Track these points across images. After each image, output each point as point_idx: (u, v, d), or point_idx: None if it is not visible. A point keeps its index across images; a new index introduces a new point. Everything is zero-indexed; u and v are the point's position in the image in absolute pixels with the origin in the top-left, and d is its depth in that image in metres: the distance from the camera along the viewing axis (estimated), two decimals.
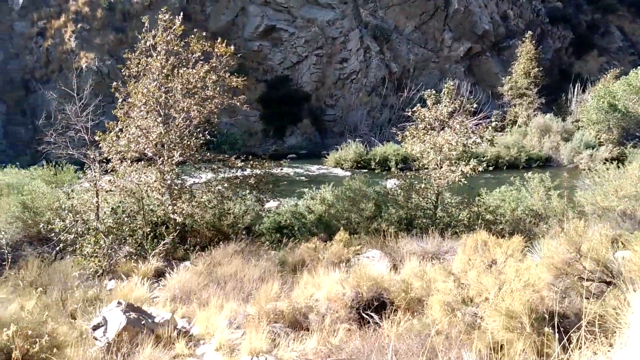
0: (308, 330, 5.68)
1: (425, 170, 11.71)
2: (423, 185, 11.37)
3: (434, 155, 11.43)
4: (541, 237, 10.11)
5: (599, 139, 29.00)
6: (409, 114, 12.28)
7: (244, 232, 11.11)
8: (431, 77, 39.20)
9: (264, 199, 11.50)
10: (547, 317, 4.33)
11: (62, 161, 14.24)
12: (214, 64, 10.83)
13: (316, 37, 37.88)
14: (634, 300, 3.83)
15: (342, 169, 28.02)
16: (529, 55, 35.53)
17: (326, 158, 29.63)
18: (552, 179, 13.15)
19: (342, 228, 9.78)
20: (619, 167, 12.42)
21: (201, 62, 10.84)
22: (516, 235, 8.17)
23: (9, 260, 8.59)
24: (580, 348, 3.63)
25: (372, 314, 5.79)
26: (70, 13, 33.83)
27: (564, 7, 46.66)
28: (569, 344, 3.69)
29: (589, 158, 26.36)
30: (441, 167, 11.16)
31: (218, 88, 10.91)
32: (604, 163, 13.80)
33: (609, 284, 5.28)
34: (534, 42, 36.30)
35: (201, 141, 10.69)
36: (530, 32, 36.86)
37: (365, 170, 26.03)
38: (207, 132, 11.03)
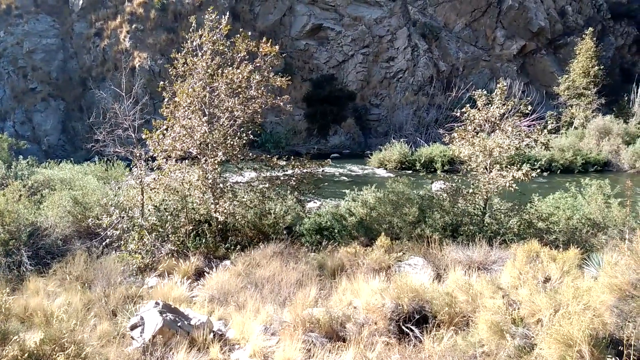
0: (344, 342, 5.47)
1: (473, 174, 11.18)
2: (471, 190, 10.85)
3: (483, 159, 10.89)
4: (599, 249, 9.42)
5: None
6: (458, 114, 11.77)
7: (284, 232, 11.03)
8: (481, 77, 37.90)
9: (305, 200, 11.36)
10: (609, 345, 3.92)
11: (113, 158, 14.72)
12: (258, 64, 10.80)
13: (363, 35, 37.50)
14: None
15: (386, 169, 27.54)
16: (589, 53, 33.52)
17: (369, 158, 29.23)
18: (612, 185, 12.24)
19: (383, 233, 9.48)
20: None
21: (246, 61, 10.83)
22: (572, 247, 7.61)
23: (59, 254, 8.91)
24: None
25: (413, 328, 5.50)
26: (125, 14, 35.16)
27: (628, 1, 43.78)
28: None
29: None
30: (490, 172, 10.60)
31: (262, 88, 10.86)
32: None
33: None
34: (594, 39, 34.22)
35: (244, 141, 10.69)
36: (590, 29, 34.78)
37: (410, 172, 25.49)
38: (250, 131, 11.01)
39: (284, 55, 31.83)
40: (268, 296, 7.06)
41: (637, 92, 33.80)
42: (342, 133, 35.91)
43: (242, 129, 10.88)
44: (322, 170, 11.72)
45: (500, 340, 4.36)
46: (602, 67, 33.70)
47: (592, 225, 10.91)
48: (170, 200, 10.33)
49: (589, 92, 32.96)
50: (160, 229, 9.74)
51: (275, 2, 38.06)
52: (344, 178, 24.92)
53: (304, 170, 11.16)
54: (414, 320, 5.66)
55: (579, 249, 7.70)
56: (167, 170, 10.16)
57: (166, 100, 10.91)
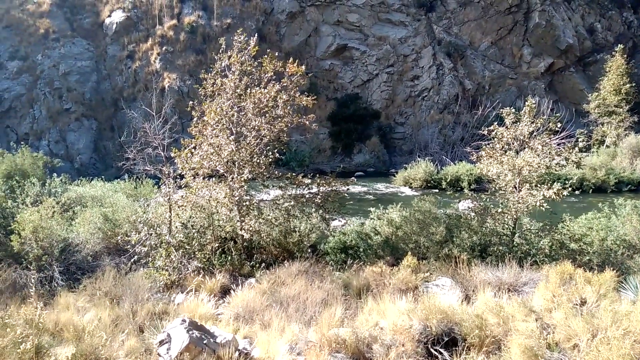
0: None
1: (502, 193, 10.97)
2: (500, 209, 10.62)
3: (511, 177, 10.68)
4: (636, 272, 9.05)
5: None
6: (485, 132, 11.61)
7: (309, 251, 11.00)
8: (508, 95, 37.45)
9: (330, 218, 11.33)
10: None
11: (142, 175, 15.04)
12: (284, 84, 10.96)
13: (387, 55, 37.71)
14: None
15: (411, 188, 27.30)
16: (620, 70, 32.79)
17: (394, 176, 29.06)
18: None
19: (409, 252, 9.34)
20: None
21: (273, 81, 11.01)
22: (607, 269, 7.34)
23: (89, 269, 9.09)
24: None
25: (442, 351, 5.36)
26: (156, 37, 36.38)
27: None
28: None
29: None
30: (520, 190, 10.38)
31: (288, 107, 10.99)
32: None
33: None
34: (624, 56, 33.51)
35: (270, 159, 10.79)
36: (620, 46, 34.10)
37: (436, 191, 25.19)
38: (276, 150, 11.12)
39: (309, 75, 32.15)
40: (293, 315, 7.01)
41: None
42: (367, 151, 35.89)
43: (268, 148, 10.99)
44: (347, 189, 11.68)
45: None
46: (634, 84, 32.88)
47: (628, 247, 10.52)
48: (197, 218, 10.46)
49: (621, 109, 32.15)
50: (187, 246, 9.85)
51: (301, 24, 38.77)
52: (369, 196, 24.80)
53: (329, 189, 11.16)
54: (442, 343, 5.52)
55: (614, 271, 7.41)
56: (194, 187, 10.31)
57: (195, 119, 11.14)
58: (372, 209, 13.11)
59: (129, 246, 10.01)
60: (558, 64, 37.75)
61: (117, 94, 35.57)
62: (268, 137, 10.90)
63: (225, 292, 8.66)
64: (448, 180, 25.58)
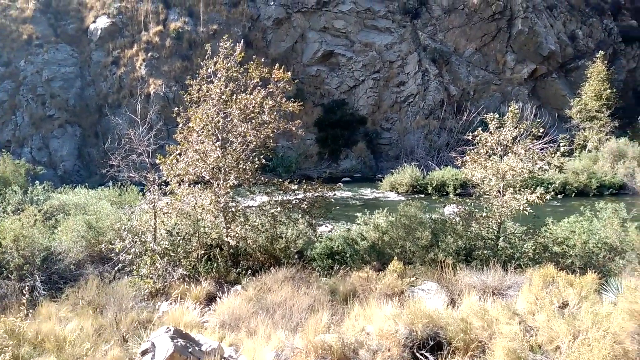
0: None
1: (486, 198, 11.09)
2: (484, 214, 10.73)
3: (495, 182, 10.81)
4: (617, 274, 9.20)
5: None
6: (469, 137, 11.75)
7: (295, 257, 10.98)
8: (492, 100, 37.94)
9: (316, 224, 11.33)
10: None
11: (126, 183, 14.88)
12: (271, 90, 10.97)
13: (373, 61, 37.97)
14: None
15: (397, 193, 27.44)
16: (601, 76, 33.44)
17: (381, 182, 29.19)
18: (628, 208, 12.03)
19: (395, 257, 9.38)
20: None
21: (259, 87, 11.01)
22: (589, 272, 7.45)
23: (72, 278, 8.95)
24: None
25: (427, 355, 5.38)
26: (142, 43, 36.15)
27: (639, 25, 43.88)
28: None
29: None
30: (504, 195, 10.51)
31: (275, 113, 11.00)
32: None
33: None
34: (605, 62, 34.21)
35: (256, 165, 10.76)
36: (601, 52, 34.81)
37: (422, 195, 25.34)
38: (262, 156, 11.10)
39: (295, 81, 32.27)
40: (279, 321, 6.98)
41: None
42: (354, 157, 36.00)
43: (254, 154, 10.98)
44: (334, 194, 11.70)
45: None
46: (614, 90, 33.55)
47: (609, 250, 10.69)
48: (182, 225, 10.38)
49: (602, 115, 32.76)
50: (172, 254, 9.76)
51: (287, 30, 38.88)
52: (356, 202, 24.86)
53: (316, 194, 11.17)
54: (428, 347, 5.54)
55: (596, 273, 7.52)
56: (180, 194, 10.24)
57: (180, 125, 11.08)
58: (358, 215, 13.15)
59: (113, 254, 9.89)
60: (541, 70, 38.38)
61: (102, 100, 35.21)
62: (254, 143, 10.88)
63: (211, 299, 8.59)
64: (434, 185, 25.64)
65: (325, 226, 15.23)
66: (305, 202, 10.96)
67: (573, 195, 24.77)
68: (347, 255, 11.17)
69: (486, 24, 38.46)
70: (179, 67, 35.03)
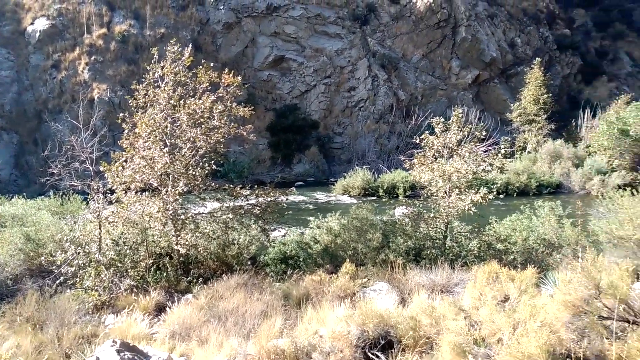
0: None
1: (434, 199, 11.47)
2: (432, 214, 11.09)
3: (442, 184, 11.20)
4: (555, 268, 9.75)
5: (611, 164, 28.52)
6: (417, 141, 12.12)
7: (248, 263, 10.88)
8: (439, 105, 39.25)
9: (269, 229, 11.29)
10: None
11: (69, 191, 14.21)
12: (220, 94, 10.85)
13: (324, 66, 38.34)
14: None
15: (350, 196, 27.79)
16: (538, 82, 35.45)
17: (333, 185, 29.47)
18: (564, 206, 12.79)
19: (348, 259, 9.50)
20: (633, 194, 12.04)
21: (208, 92, 10.87)
22: (529, 267, 7.85)
23: (8, 294, 8.44)
24: None
25: (379, 354, 5.48)
26: (84, 46, 34.69)
27: (572, 34, 46.89)
28: None
29: (600, 184, 25.87)
30: (450, 196, 10.90)
31: (225, 118, 10.88)
32: (618, 189, 13.43)
33: (631, 322, 4.95)
34: (542, 68, 36.29)
35: (207, 171, 10.59)
36: (538, 59, 36.91)
37: (373, 198, 25.80)
38: (213, 161, 10.93)
39: (246, 85, 32.06)
40: (232, 329, 6.89)
41: (583, 118, 35.84)
42: (306, 161, 36.14)
43: (204, 159, 10.80)
44: (286, 199, 11.71)
45: None
46: (550, 94, 35.63)
47: (548, 245, 11.31)
48: (129, 234, 10.04)
49: (540, 118, 34.68)
50: (118, 264, 9.42)
51: (237, 35, 38.56)
52: (309, 206, 24.95)
53: (268, 199, 11.13)
54: (379, 346, 5.64)
55: (535, 268, 7.94)
56: (126, 202, 9.91)
57: (126, 131, 10.74)
58: (311, 218, 13.21)
59: (54, 267, 9.41)
60: (483, 76, 40.14)
61: (41, 105, 33.43)
62: (204, 148, 10.72)
63: (160, 309, 8.35)
64: (385, 188, 26.23)
65: (279, 231, 15.19)
66: (257, 208, 10.90)
67: (515, 195, 26.00)
68: (301, 259, 11.21)
69: (432, 31, 39.83)
70: (124, 71, 33.89)
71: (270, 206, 11.11)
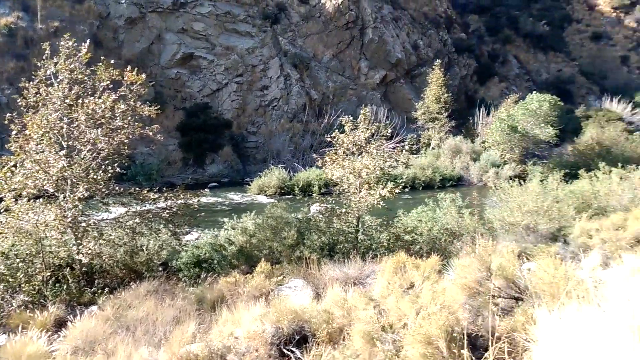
0: None
1: (346, 195, 11.85)
2: (344, 210, 11.45)
3: (353, 180, 11.60)
4: (456, 255, 10.54)
5: (503, 158, 31.33)
6: (329, 139, 12.44)
7: (159, 269, 10.45)
8: (350, 104, 40.42)
9: (181, 233, 10.93)
10: (463, 338, 4.38)
11: None
12: (123, 93, 10.29)
13: (236, 64, 37.77)
14: (537, 315, 3.97)
15: (266, 195, 27.73)
16: (439, 82, 37.89)
17: (249, 185, 29.21)
18: (463, 197, 13.86)
19: (263, 258, 9.51)
20: (521, 184, 13.37)
21: (109, 90, 10.26)
22: (433, 255, 8.42)
23: None
24: None
25: (294, 349, 5.56)
26: None
27: (468, 38, 50.75)
28: None
29: (495, 176, 28.29)
30: (360, 191, 11.33)
31: (129, 118, 10.34)
32: (509, 180, 14.83)
33: (517, 299, 5.52)
34: (442, 69, 38.82)
35: (110, 174, 9.99)
36: (438, 61, 39.44)
37: (290, 197, 25.99)
38: (116, 164, 10.33)
39: (152, 83, 30.58)
40: (142, 338, 6.58)
41: (479, 116, 38.95)
42: (220, 162, 35.38)
43: (107, 162, 10.17)
44: (198, 200, 11.40)
45: (372, 348, 4.63)
46: (450, 94, 38.27)
47: (450, 234, 12.19)
48: (22, 245, 9.17)
49: (442, 116, 37.11)
50: (10, 279, 8.57)
51: (142, 30, 36.67)
52: (224, 207, 24.48)
53: (178, 202, 10.77)
54: (294, 342, 5.73)
55: (439, 256, 8.54)
56: (17, 211, 9.04)
57: (14, 133, 9.80)
58: (226, 219, 13.01)
59: None
60: (390, 76, 42.02)
61: None
62: (106, 150, 10.10)
63: (61, 325, 7.73)
64: (300, 186, 26.70)
65: (192, 234, 14.75)
66: (166, 211, 10.49)
67: (421, 189, 27.59)
68: (215, 261, 11.00)
69: (341, 32, 40.89)
70: (12, 67, 30.75)
71: (181, 209, 10.76)
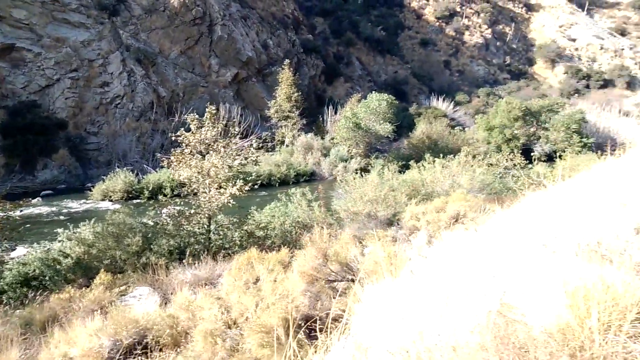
0: None
1: (196, 195, 11.55)
2: (193, 211, 11.15)
3: (202, 179, 11.35)
4: (305, 246, 11.07)
5: (350, 153, 33.64)
6: (174, 138, 11.96)
7: None
8: (202, 102, 39.29)
9: (1, 249, 9.53)
10: (304, 324, 4.65)
11: None
12: None
13: (69, 58, 33.93)
14: (360, 293, 4.40)
15: (111, 201, 25.56)
16: (289, 82, 39.00)
17: (91, 191, 26.59)
18: (314, 191, 14.56)
19: (103, 269, 8.79)
20: (362, 176, 14.54)
21: None
22: (283, 248, 8.72)
23: None
24: (327, 349, 3.99)
25: None
26: None
27: (315, 39, 53.13)
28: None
29: (343, 170, 30.27)
30: (210, 191, 11.15)
31: None
32: (355, 173, 16.01)
33: (353, 281, 6.03)
34: (292, 69, 40.02)
35: None
36: (288, 61, 40.55)
37: (139, 201, 24.33)
38: None
39: None
40: None
41: (328, 114, 41.15)
42: (55, 166, 31.50)
43: None
44: (20, 211, 10.04)
45: (214, 347, 4.64)
46: (300, 93, 39.69)
47: (302, 227, 12.71)
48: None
49: (293, 114, 38.32)
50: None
51: None
52: (60, 217, 21.89)
53: None
54: (136, 352, 5.45)
55: (290, 248, 8.87)
56: None
57: None
58: (60, 230, 11.68)
59: None
60: (242, 74, 41.95)
61: None
62: None
63: None
64: (150, 189, 25.21)
65: (19, 250, 12.93)
66: None
67: (277, 185, 28.22)
68: (47, 277, 9.82)
69: (188, 27, 39.49)
70: None
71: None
